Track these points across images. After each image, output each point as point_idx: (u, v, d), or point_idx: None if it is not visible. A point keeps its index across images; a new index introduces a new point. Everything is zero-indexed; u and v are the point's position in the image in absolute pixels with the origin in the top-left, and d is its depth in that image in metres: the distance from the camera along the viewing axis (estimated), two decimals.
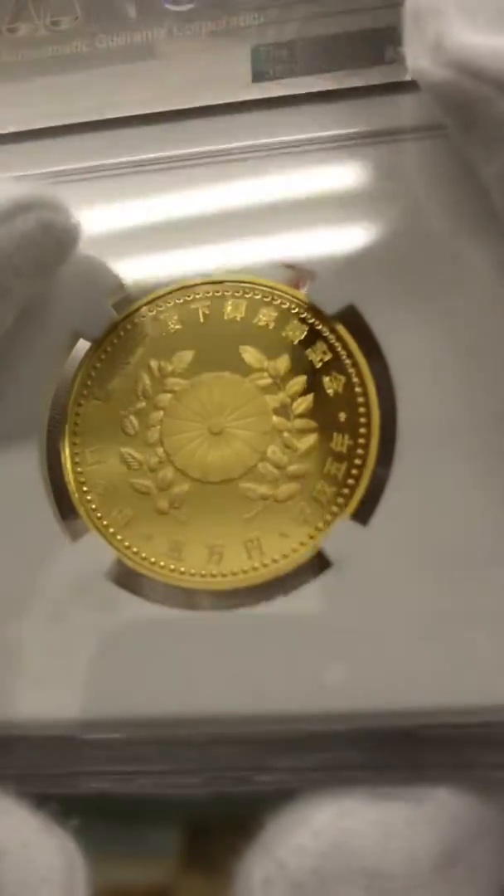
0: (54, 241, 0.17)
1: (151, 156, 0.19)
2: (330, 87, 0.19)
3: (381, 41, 0.19)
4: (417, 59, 0.17)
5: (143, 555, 0.17)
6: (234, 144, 0.19)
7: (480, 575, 0.16)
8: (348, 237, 0.18)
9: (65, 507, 0.18)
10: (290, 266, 0.18)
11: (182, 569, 0.17)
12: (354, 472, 0.17)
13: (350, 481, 0.17)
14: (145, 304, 0.19)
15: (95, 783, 0.17)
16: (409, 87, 0.18)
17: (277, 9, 0.20)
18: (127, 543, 0.17)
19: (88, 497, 0.18)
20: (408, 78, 0.18)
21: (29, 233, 0.16)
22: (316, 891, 0.15)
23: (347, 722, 0.16)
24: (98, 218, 0.18)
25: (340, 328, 0.18)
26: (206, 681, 0.16)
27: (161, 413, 0.18)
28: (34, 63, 0.20)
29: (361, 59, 0.19)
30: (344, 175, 0.18)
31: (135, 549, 0.17)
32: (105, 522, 0.18)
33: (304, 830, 0.15)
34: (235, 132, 0.19)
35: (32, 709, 0.16)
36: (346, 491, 0.17)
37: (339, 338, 0.18)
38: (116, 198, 0.19)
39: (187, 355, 0.18)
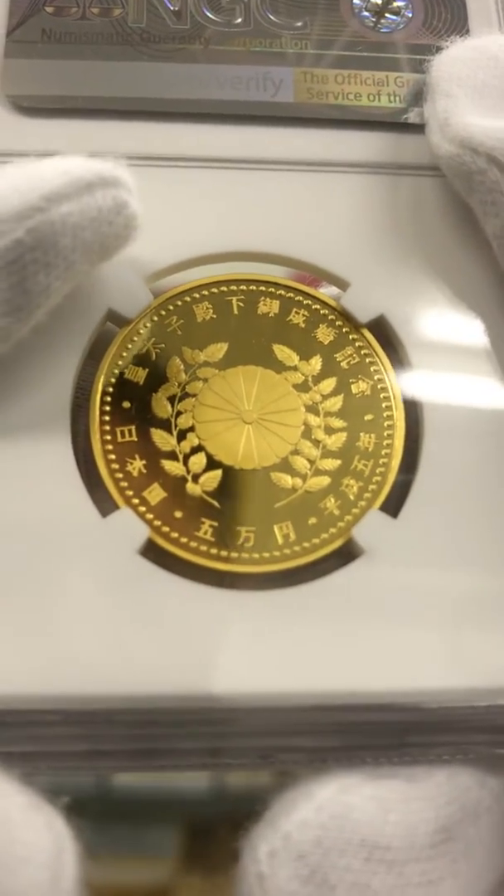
0: (124, 223, 0.17)
1: (193, 154, 0.20)
2: (366, 118, 0.20)
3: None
4: (431, 131, 0.19)
5: (175, 535, 0.17)
6: (277, 156, 0.20)
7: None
8: (384, 253, 0.19)
9: (94, 482, 0.17)
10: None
11: (214, 550, 0.17)
12: (381, 469, 0.18)
13: (377, 478, 0.18)
14: (182, 291, 0.19)
15: (116, 762, 0.16)
16: None
17: (318, 38, 0.21)
18: (158, 522, 0.17)
19: (119, 475, 0.18)
20: None
21: (105, 209, 0.16)
22: (319, 860, 0.15)
23: (372, 703, 0.16)
24: (145, 204, 0.19)
25: (368, 335, 0.19)
26: (233, 659, 0.16)
27: (194, 399, 0.18)
28: (71, 44, 0.21)
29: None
30: (377, 199, 0.20)
31: (166, 529, 0.17)
32: (136, 501, 0.17)
33: (308, 805, 0.15)
34: (278, 144, 0.20)
35: (61, 684, 0.16)
36: (373, 487, 0.18)
37: (368, 343, 0.19)
38: (154, 188, 0.20)
39: (221, 347, 0.19)
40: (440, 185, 0.20)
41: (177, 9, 0.21)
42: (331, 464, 0.18)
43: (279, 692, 0.16)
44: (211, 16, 0.21)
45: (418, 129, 0.20)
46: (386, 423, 0.18)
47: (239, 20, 0.21)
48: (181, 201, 0.20)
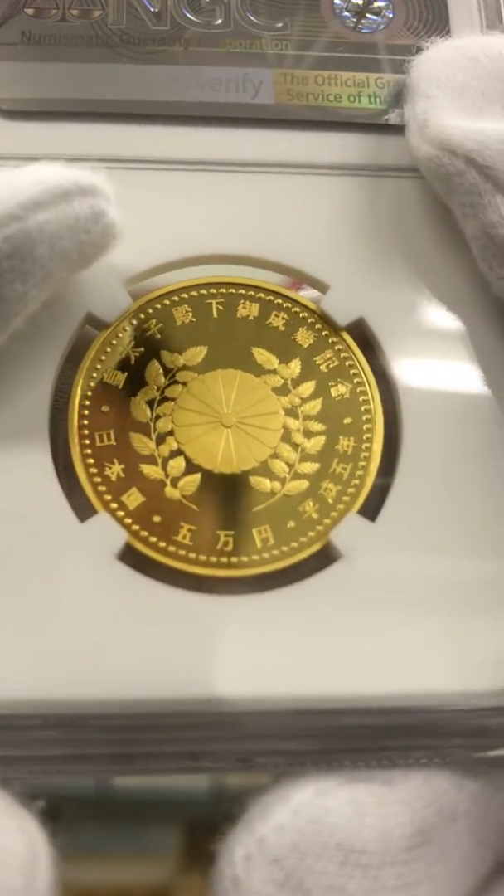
0: (101, 231, 0.17)
1: (172, 156, 0.20)
2: (346, 120, 0.20)
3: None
4: (410, 132, 0.20)
5: (153, 539, 0.17)
6: (256, 158, 0.20)
7: (484, 570, 0.17)
8: (364, 255, 0.19)
9: (72, 486, 0.17)
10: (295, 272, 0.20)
11: (192, 555, 0.17)
12: (360, 473, 0.18)
13: (356, 482, 0.18)
14: (161, 295, 0.19)
15: (96, 765, 0.16)
16: None
17: (298, 39, 0.21)
18: (136, 527, 0.17)
19: (97, 479, 0.18)
20: None
21: (82, 217, 0.16)
22: (294, 865, 0.15)
23: (351, 707, 0.16)
24: (123, 206, 0.19)
25: (347, 338, 0.19)
26: (212, 664, 0.16)
27: (173, 404, 0.18)
28: (51, 46, 0.21)
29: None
30: (357, 201, 0.20)
31: (144, 533, 0.17)
32: (114, 505, 0.17)
33: (284, 809, 0.15)
34: (258, 146, 0.20)
35: (36, 689, 0.16)
36: (352, 490, 0.18)
37: (347, 347, 0.19)
38: (133, 190, 0.19)
39: (200, 351, 0.19)
40: (420, 187, 0.20)
41: (157, 10, 0.21)
42: (309, 467, 0.18)
43: (258, 697, 0.16)
44: (191, 17, 0.21)
45: (399, 130, 0.20)
46: (365, 427, 0.18)
47: (219, 21, 0.21)
48: (161, 204, 0.19)
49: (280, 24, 0.21)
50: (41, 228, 0.16)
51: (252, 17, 0.21)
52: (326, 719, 0.17)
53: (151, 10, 0.21)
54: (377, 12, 0.22)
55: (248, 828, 0.15)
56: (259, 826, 0.15)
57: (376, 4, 0.22)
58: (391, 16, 0.21)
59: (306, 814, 0.15)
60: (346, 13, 0.22)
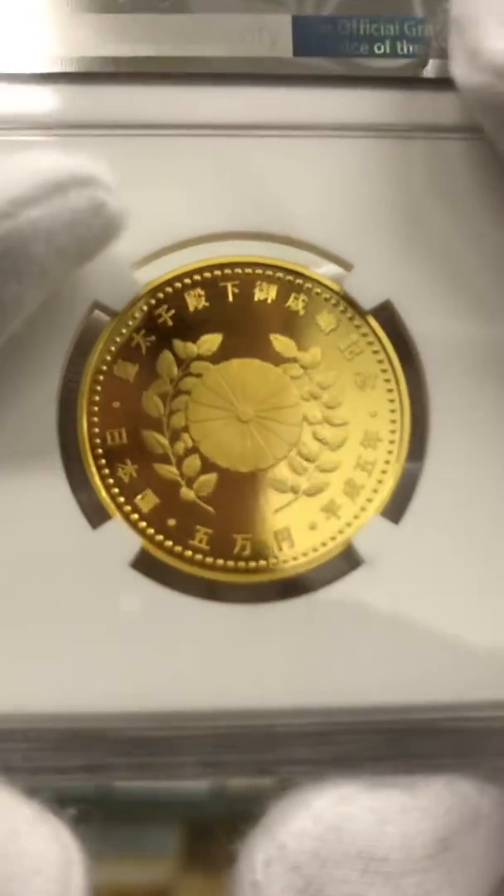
0: (102, 224, 0.16)
1: (179, 120, 0.18)
2: (374, 73, 0.18)
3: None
4: (458, 64, 0.18)
5: (169, 544, 0.17)
6: (272, 120, 0.18)
7: None
8: (392, 229, 0.18)
9: (84, 490, 0.17)
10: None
11: (209, 560, 0.17)
12: (384, 466, 0.17)
13: (381, 475, 0.17)
14: (172, 278, 0.18)
15: (107, 776, 0.16)
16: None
17: None
18: (151, 531, 0.17)
19: (110, 480, 0.17)
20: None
21: (80, 210, 0.15)
22: (315, 872, 0.15)
23: (368, 716, 0.16)
24: (123, 180, 0.17)
25: (373, 322, 0.18)
26: (231, 675, 0.16)
27: (187, 397, 0.17)
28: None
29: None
30: (386, 166, 0.18)
31: (159, 538, 0.17)
32: (128, 508, 0.17)
33: (305, 814, 0.15)
34: (274, 106, 0.18)
35: (49, 701, 0.16)
36: (376, 485, 0.17)
37: (372, 331, 0.18)
38: (138, 160, 0.18)
39: (215, 339, 0.18)
40: (460, 149, 0.18)
41: None
42: (331, 464, 0.17)
43: (276, 708, 0.16)
44: None
45: (435, 84, 0.18)
46: (390, 419, 0.17)
47: None
48: (168, 175, 0.18)
49: None
50: (34, 225, 0.15)
51: None
52: (348, 728, 0.16)
53: None
54: None
55: (268, 833, 0.15)
56: (280, 831, 0.15)
57: None
58: None
59: (328, 820, 0.15)
60: None
